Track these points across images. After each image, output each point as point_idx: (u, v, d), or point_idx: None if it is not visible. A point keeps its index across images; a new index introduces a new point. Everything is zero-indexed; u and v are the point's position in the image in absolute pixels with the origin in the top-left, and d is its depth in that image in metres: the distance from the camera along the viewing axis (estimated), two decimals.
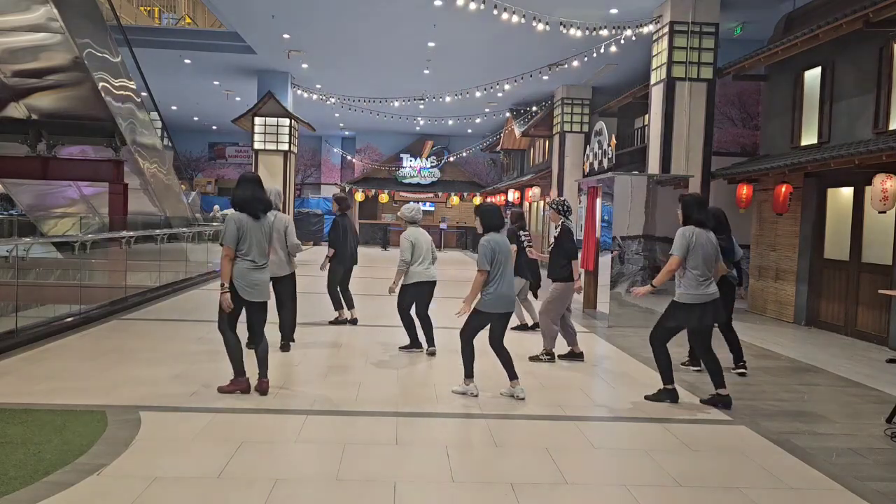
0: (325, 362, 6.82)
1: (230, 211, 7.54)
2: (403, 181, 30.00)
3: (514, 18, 11.53)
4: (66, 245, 9.99)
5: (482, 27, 13.36)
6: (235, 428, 4.72)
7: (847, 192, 9.68)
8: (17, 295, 7.33)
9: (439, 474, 4.00)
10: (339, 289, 8.85)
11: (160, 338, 7.70)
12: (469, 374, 5.74)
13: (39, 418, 4.67)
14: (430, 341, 7.32)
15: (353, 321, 8.96)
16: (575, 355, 7.26)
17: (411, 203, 7.35)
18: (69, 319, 8.13)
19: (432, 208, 30.47)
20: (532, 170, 23.79)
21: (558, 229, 7.16)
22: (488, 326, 5.69)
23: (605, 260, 10.15)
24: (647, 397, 5.82)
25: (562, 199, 7.37)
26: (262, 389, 5.52)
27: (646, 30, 12.23)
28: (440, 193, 30.03)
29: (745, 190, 11.24)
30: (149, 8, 21.49)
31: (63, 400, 5.13)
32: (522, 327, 8.99)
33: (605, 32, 12.23)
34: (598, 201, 10.67)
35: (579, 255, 7.15)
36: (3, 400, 5.08)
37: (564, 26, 11.95)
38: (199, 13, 20.22)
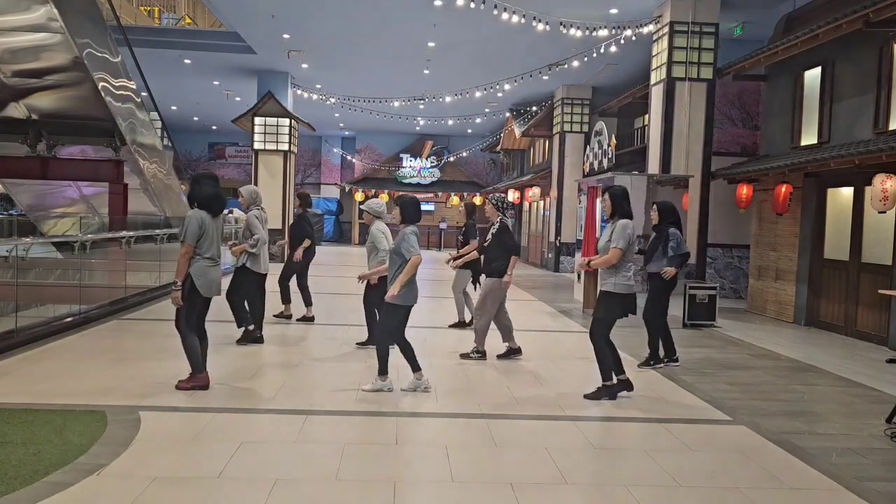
0: (324, 362, 6.82)
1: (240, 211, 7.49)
2: (403, 181, 29.97)
3: (514, 18, 11.53)
4: (66, 245, 9.97)
5: (482, 27, 13.36)
6: (235, 428, 4.72)
7: (847, 192, 9.68)
8: (17, 295, 7.32)
9: (439, 474, 4.00)
10: (287, 283, 9.00)
11: (160, 338, 7.69)
12: (416, 368, 5.77)
13: (39, 418, 4.67)
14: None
15: (288, 316, 9.09)
16: (513, 351, 7.28)
17: (376, 199, 7.37)
18: (69, 319, 8.13)
19: (432, 208, 30.47)
20: (532, 170, 23.78)
21: (496, 226, 7.17)
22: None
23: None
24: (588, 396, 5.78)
25: (501, 195, 7.45)
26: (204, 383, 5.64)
27: (646, 30, 12.23)
28: (440, 193, 30.01)
29: (745, 190, 11.24)
30: (149, 8, 21.47)
31: (63, 400, 5.14)
32: (460, 324, 9.03)
33: (605, 32, 12.23)
34: (598, 201, 10.66)
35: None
36: (3, 400, 5.09)
37: (564, 26, 11.95)
38: (199, 13, 20.19)
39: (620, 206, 5.81)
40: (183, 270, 5.40)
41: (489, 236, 7.21)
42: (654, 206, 7.38)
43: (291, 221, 9.04)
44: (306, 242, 8.78)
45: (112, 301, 9.45)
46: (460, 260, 8.44)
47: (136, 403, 5.11)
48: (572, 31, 12.06)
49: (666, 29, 11.75)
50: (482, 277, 7.45)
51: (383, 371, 5.73)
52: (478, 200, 28.72)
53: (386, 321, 5.73)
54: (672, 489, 3.92)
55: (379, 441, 4.57)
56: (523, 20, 11.60)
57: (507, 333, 7.28)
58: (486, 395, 5.81)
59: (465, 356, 7.20)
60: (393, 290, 5.57)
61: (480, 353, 7.20)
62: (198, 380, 5.52)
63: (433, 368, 6.71)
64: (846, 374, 7.07)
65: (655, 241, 7.16)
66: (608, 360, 5.76)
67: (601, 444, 4.70)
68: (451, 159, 29.64)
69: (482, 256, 7.55)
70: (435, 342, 8.00)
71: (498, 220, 7.18)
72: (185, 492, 3.63)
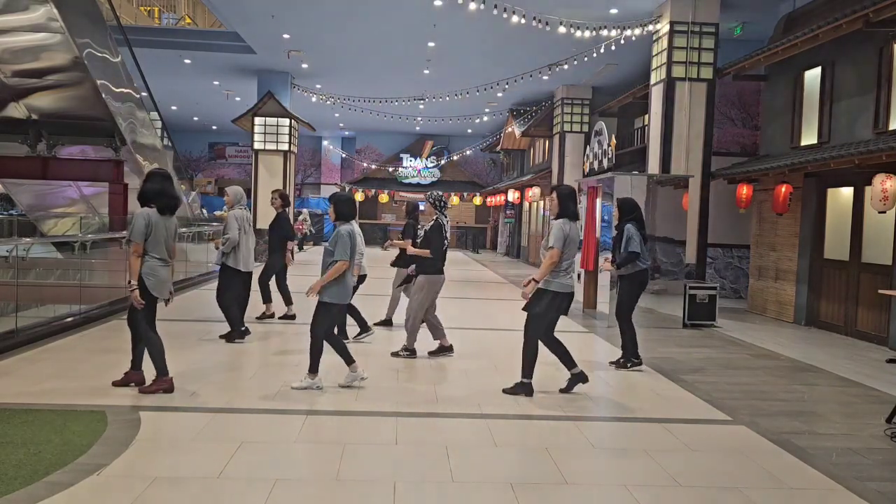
0: (323, 362, 6.80)
1: (229, 210, 7.53)
2: (403, 181, 30.00)
3: (514, 18, 11.53)
4: (66, 245, 9.98)
5: (482, 27, 13.36)
6: (235, 428, 4.72)
7: (847, 192, 9.68)
8: (17, 295, 7.32)
9: (439, 474, 4.00)
10: (275, 282, 9.03)
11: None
12: (315, 369, 5.74)
13: (39, 418, 4.67)
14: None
15: (271, 315, 9.12)
16: (444, 349, 7.27)
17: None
18: (69, 319, 8.13)
19: None
20: (532, 170, 23.78)
21: (430, 224, 7.12)
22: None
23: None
24: (505, 390, 5.80)
25: (439, 194, 7.38)
26: (140, 381, 5.58)
27: (646, 30, 12.23)
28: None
29: (745, 190, 11.23)
30: (149, 8, 21.47)
31: (63, 400, 5.14)
32: (384, 322, 8.96)
33: (605, 32, 12.22)
34: (598, 201, 10.67)
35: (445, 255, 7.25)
36: (3, 400, 5.09)
37: (564, 26, 11.94)
38: (199, 13, 20.20)
39: (566, 207, 5.78)
40: (136, 270, 5.35)
41: (421, 234, 7.16)
42: (615, 203, 7.30)
43: (273, 221, 9.03)
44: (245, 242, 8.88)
45: (112, 301, 9.45)
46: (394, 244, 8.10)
47: (136, 403, 5.11)
48: (572, 31, 12.06)
49: (666, 29, 11.75)
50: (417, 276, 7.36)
51: (314, 369, 5.71)
52: (477, 201, 28.74)
53: (321, 320, 5.69)
54: (672, 489, 3.92)
55: (379, 441, 4.57)
56: (523, 20, 11.59)
57: (436, 332, 7.27)
58: (486, 394, 5.81)
59: (395, 354, 7.15)
60: (315, 287, 5.62)
61: (410, 352, 7.14)
62: (162, 382, 5.44)
63: (433, 368, 6.72)
64: (846, 374, 7.07)
65: (616, 240, 7.13)
66: (534, 358, 5.74)
67: (601, 444, 4.70)
68: (455, 158, 29.63)
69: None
70: (431, 342, 7.98)
71: (434, 218, 7.14)
72: (185, 492, 3.63)
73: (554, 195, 5.87)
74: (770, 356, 7.98)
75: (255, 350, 7.32)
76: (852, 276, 9.46)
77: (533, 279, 5.68)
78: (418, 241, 7.28)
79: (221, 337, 7.61)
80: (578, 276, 11.70)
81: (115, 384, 5.56)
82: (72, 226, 14.00)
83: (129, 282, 5.37)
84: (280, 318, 9.09)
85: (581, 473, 4.11)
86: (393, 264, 8.79)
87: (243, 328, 7.65)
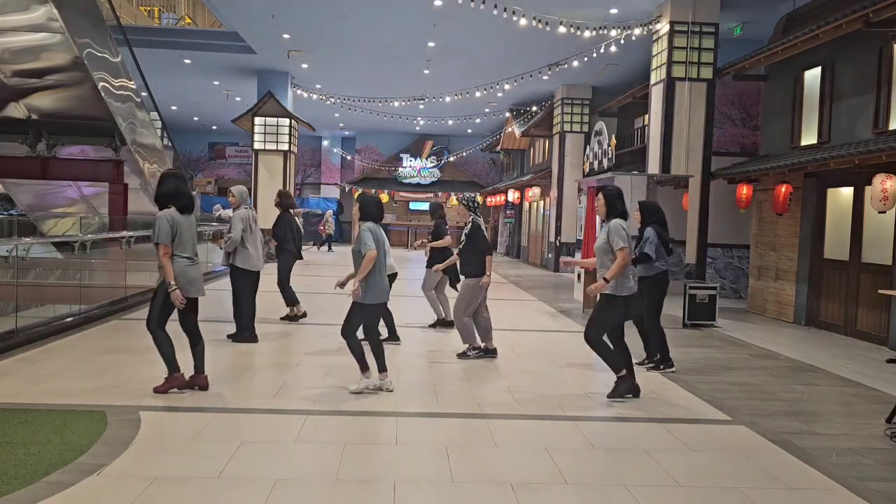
0: (324, 362, 6.82)
1: (230, 211, 7.54)
2: (403, 181, 29.99)
3: (514, 18, 11.53)
4: (66, 245, 9.99)
5: (482, 27, 13.36)
6: (235, 428, 4.72)
7: (847, 192, 9.68)
8: (17, 295, 7.32)
9: (439, 474, 4.00)
10: (287, 285, 9.00)
11: None
12: (365, 367, 5.69)
13: (39, 418, 4.67)
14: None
15: (303, 314, 9.13)
16: (488, 352, 7.22)
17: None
18: (69, 319, 8.13)
19: None
20: (532, 170, 23.78)
21: (468, 226, 7.11)
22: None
23: None
24: (609, 396, 5.75)
25: (471, 195, 7.38)
26: (203, 385, 5.54)
27: (646, 30, 12.23)
28: (440, 193, 30.01)
29: (745, 190, 11.23)
30: (149, 8, 21.47)
31: (63, 400, 5.13)
32: (441, 322, 8.94)
33: (604, 32, 12.23)
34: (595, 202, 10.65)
35: (492, 252, 7.16)
36: (3, 400, 5.09)
37: (564, 26, 11.95)
38: (199, 13, 20.20)
39: (614, 207, 5.78)
40: (170, 270, 5.34)
41: (463, 237, 7.13)
42: (637, 206, 7.31)
43: (275, 222, 9.02)
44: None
45: (112, 301, 9.45)
46: (443, 265, 8.08)
47: (136, 403, 5.11)
48: (572, 31, 12.06)
49: (666, 29, 11.75)
50: (461, 278, 7.30)
51: (364, 367, 5.67)
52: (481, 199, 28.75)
53: (353, 319, 5.65)
54: (672, 489, 3.92)
55: (379, 441, 4.57)
56: (523, 20, 11.60)
57: (484, 334, 7.21)
58: (486, 395, 5.81)
59: (462, 356, 7.16)
60: (356, 289, 5.54)
61: (477, 350, 7.16)
62: (174, 380, 5.43)
63: (433, 368, 6.72)
64: (846, 374, 7.07)
65: (638, 242, 7.12)
66: (613, 354, 5.74)
67: (601, 444, 4.70)
68: (452, 159, 29.64)
69: (458, 258, 7.42)
70: (433, 342, 8.00)
71: (470, 220, 7.13)
72: (185, 492, 3.63)
73: (601, 196, 5.85)
74: (770, 356, 7.98)
75: (257, 350, 7.32)
76: (852, 276, 9.46)
77: (604, 279, 5.60)
78: (460, 244, 7.18)
79: (229, 337, 7.58)
80: (578, 276, 11.70)
81: (181, 388, 5.48)
82: (72, 226, 14.01)
83: (169, 283, 5.33)
84: (281, 318, 9.08)
85: (581, 473, 4.11)
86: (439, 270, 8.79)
87: (253, 335, 7.63)
